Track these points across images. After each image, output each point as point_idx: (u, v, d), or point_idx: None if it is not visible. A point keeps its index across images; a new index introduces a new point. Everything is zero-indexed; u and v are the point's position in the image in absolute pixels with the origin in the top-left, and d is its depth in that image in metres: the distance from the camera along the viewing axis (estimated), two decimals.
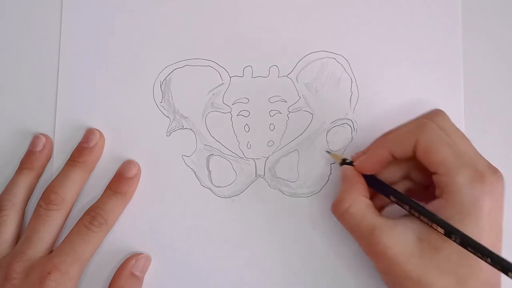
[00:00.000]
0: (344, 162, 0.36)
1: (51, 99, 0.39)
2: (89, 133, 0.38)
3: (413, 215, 0.31)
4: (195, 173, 0.38)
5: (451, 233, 0.29)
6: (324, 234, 0.38)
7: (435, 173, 0.31)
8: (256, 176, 0.38)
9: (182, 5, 0.39)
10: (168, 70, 0.39)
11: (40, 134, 0.38)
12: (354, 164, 0.35)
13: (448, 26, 0.39)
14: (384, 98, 0.39)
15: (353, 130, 0.38)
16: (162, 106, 0.39)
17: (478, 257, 0.28)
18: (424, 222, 0.31)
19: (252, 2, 0.39)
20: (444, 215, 0.30)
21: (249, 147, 0.39)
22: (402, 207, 0.32)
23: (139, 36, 0.39)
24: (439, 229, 0.29)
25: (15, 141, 0.39)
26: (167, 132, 0.39)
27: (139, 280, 0.37)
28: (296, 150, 0.39)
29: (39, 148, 0.38)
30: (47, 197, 0.36)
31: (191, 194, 0.38)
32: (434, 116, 0.33)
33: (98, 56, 0.39)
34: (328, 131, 0.39)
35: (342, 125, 0.39)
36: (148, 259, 0.37)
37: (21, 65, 0.39)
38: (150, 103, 0.39)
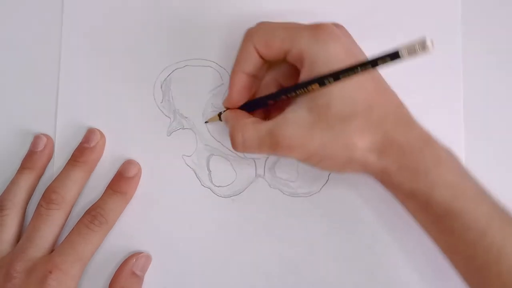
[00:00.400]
0: (220, 114, 0.37)
1: (52, 99, 0.39)
2: (90, 133, 0.38)
3: (294, 97, 0.32)
4: (195, 173, 0.38)
5: (323, 80, 0.30)
6: (324, 234, 0.38)
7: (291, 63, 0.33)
8: (256, 176, 0.38)
9: (182, 5, 0.39)
10: (169, 70, 0.39)
11: (41, 134, 0.39)
12: (224, 105, 0.36)
13: (448, 26, 0.39)
14: None
15: None
16: (163, 106, 0.39)
17: (355, 74, 0.28)
18: (303, 93, 0.31)
19: (253, 2, 0.39)
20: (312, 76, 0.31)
21: None
22: (284, 99, 0.33)
23: (139, 36, 0.39)
24: (315, 86, 0.30)
25: (16, 141, 0.39)
26: (167, 132, 0.39)
27: (140, 279, 0.37)
28: None
29: (40, 148, 0.38)
30: (48, 197, 0.36)
31: (191, 194, 0.38)
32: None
33: (98, 56, 0.39)
34: None
35: None
36: (148, 258, 0.37)
37: (22, 65, 0.39)
38: (150, 103, 0.39)
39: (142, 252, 0.37)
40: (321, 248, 0.38)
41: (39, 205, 0.36)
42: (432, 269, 0.37)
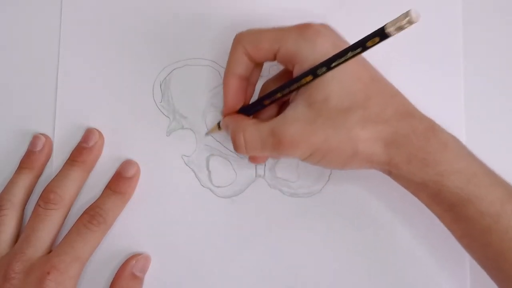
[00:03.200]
0: (219, 123, 0.37)
1: (50, 99, 0.39)
2: (89, 133, 0.38)
3: (289, 93, 0.32)
4: (195, 173, 0.38)
5: (315, 70, 0.30)
6: (324, 234, 0.38)
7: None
8: (256, 176, 0.38)
9: (182, 5, 0.39)
10: (168, 70, 0.39)
11: (40, 134, 0.38)
12: (223, 113, 0.36)
13: (448, 26, 0.39)
14: None
15: None
16: (162, 106, 0.39)
17: (347, 59, 0.28)
18: (299, 88, 0.31)
19: (253, 2, 0.39)
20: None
21: None
22: (280, 98, 0.33)
23: (138, 36, 0.39)
24: (308, 78, 0.30)
25: (15, 141, 0.39)
26: (167, 132, 0.39)
27: (140, 280, 0.37)
28: None
29: (38, 148, 0.38)
30: (46, 197, 0.36)
31: (191, 194, 0.38)
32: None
33: (97, 56, 0.39)
34: None
35: None
36: (148, 259, 0.37)
37: (21, 65, 0.39)
38: (150, 103, 0.39)
39: (141, 253, 0.37)
40: (321, 249, 0.37)
41: (37, 205, 0.36)
42: (436, 270, 0.37)
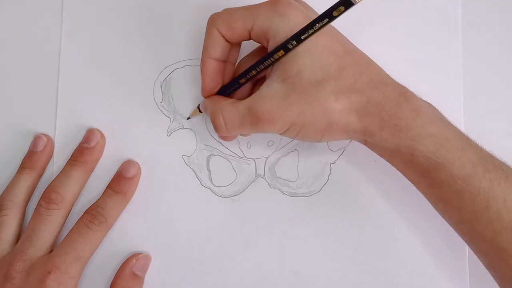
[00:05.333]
0: (199, 106, 0.37)
1: (52, 100, 0.39)
2: (90, 133, 0.38)
3: (264, 70, 0.32)
4: (195, 173, 0.38)
5: (286, 44, 0.30)
6: (324, 233, 0.38)
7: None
8: (256, 176, 0.38)
9: (182, 5, 0.39)
10: (168, 70, 0.39)
11: (41, 134, 0.39)
12: (202, 95, 0.36)
13: (448, 26, 0.39)
14: None
15: None
16: (162, 106, 0.39)
17: (315, 30, 0.28)
18: (272, 63, 0.32)
19: (253, 1, 0.39)
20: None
21: (249, 147, 0.39)
22: (255, 76, 0.33)
23: (139, 36, 0.39)
24: (280, 53, 0.30)
25: (16, 141, 0.39)
26: (167, 132, 0.39)
27: (140, 280, 0.37)
28: (296, 150, 0.39)
29: (40, 148, 0.38)
30: (48, 197, 0.36)
31: (191, 194, 0.38)
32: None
33: (98, 56, 0.39)
34: None
35: None
36: (148, 258, 0.37)
37: (22, 65, 0.39)
38: (150, 103, 0.39)
39: (142, 253, 0.37)
40: (321, 248, 0.37)
41: (39, 205, 0.36)
42: (435, 268, 0.37)
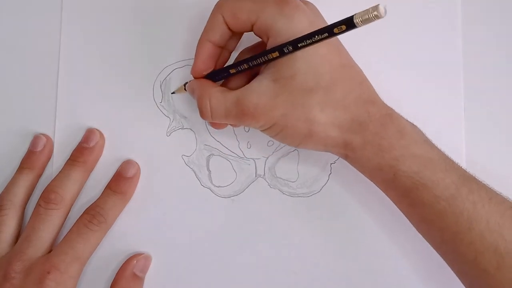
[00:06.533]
0: (185, 84, 0.37)
1: (51, 99, 0.39)
2: (89, 133, 0.38)
3: (256, 66, 0.32)
4: (195, 173, 0.38)
5: (282, 48, 0.30)
6: (324, 233, 0.37)
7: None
8: (256, 176, 0.38)
9: (182, 5, 0.39)
10: (168, 70, 0.39)
11: (41, 134, 0.38)
12: (191, 73, 0.35)
13: (448, 26, 0.39)
14: (383, 98, 0.38)
15: None
16: (162, 106, 0.39)
17: (313, 42, 0.28)
18: (265, 63, 0.31)
19: None
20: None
21: (249, 147, 0.39)
22: (247, 70, 0.33)
23: (139, 36, 0.39)
24: (275, 55, 0.30)
25: (16, 141, 0.39)
26: (167, 132, 0.39)
27: (141, 280, 0.37)
28: (296, 150, 0.39)
29: (39, 148, 0.38)
30: (47, 197, 0.36)
31: (191, 194, 0.38)
32: None
33: (98, 56, 0.39)
34: None
35: None
36: (148, 258, 0.37)
37: (22, 65, 0.39)
38: (150, 103, 0.39)
39: (142, 253, 0.37)
40: (321, 248, 0.37)
41: (38, 205, 0.36)
42: (432, 271, 0.37)
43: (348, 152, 0.32)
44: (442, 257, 0.32)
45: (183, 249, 0.38)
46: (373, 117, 0.31)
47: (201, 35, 0.34)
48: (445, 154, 0.32)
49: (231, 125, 0.36)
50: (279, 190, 0.38)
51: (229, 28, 0.33)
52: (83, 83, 0.39)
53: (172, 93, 0.39)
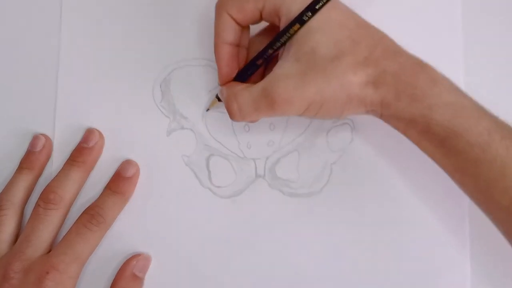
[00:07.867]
0: (217, 95, 0.36)
1: (51, 99, 0.39)
2: (89, 133, 0.38)
3: (279, 48, 0.32)
4: (195, 173, 0.38)
5: (301, 17, 0.30)
6: (324, 234, 0.37)
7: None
8: (256, 176, 0.38)
9: (182, 4, 0.39)
10: (168, 70, 0.39)
11: (40, 134, 0.38)
12: (218, 83, 0.35)
13: (448, 26, 0.39)
14: None
15: (353, 130, 0.38)
16: (162, 106, 0.39)
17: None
18: (288, 39, 0.31)
19: None
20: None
21: (249, 147, 0.39)
22: (272, 55, 0.33)
23: (138, 35, 0.39)
24: (296, 27, 0.30)
25: (15, 141, 0.39)
26: (167, 132, 0.39)
27: (140, 280, 0.37)
28: (296, 150, 0.39)
29: (38, 148, 0.38)
30: (46, 197, 0.36)
31: (191, 194, 0.38)
32: None
33: (98, 56, 0.39)
34: (328, 131, 0.38)
35: (342, 125, 0.38)
36: (148, 259, 0.37)
37: (21, 65, 0.39)
38: (150, 103, 0.39)
39: (142, 253, 0.37)
40: (321, 249, 0.37)
41: (37, 205, 0.36)
42: (432, 272, 0.37)
43: (383, 109, 0.31)
44: (478, 206, 0.32)
45: (183, 249, 0.37)
46: (403, 67, 0.31)
47: (214, 40, 0.34)
48: (477, 102, 0.31)
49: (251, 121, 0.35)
50: (279, 190, 0.38)
51: (238, 24, 0.33)
52: (83, 83, 0.39)
53: (207, 110, 0.38)
